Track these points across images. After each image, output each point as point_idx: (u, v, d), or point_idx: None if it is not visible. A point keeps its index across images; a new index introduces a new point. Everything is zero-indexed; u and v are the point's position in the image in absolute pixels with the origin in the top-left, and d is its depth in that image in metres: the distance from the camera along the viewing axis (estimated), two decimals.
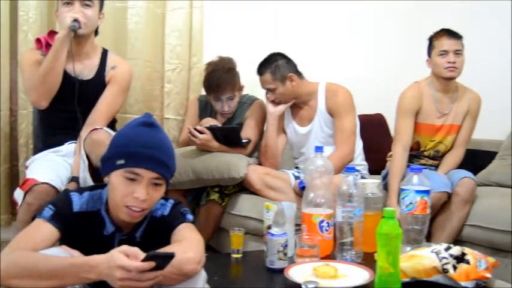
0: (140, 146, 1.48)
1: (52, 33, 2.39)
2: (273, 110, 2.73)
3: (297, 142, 2.82)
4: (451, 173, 2.62)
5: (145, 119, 1.54)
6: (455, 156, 2.72)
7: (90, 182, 2.12)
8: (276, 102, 2.73)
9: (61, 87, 2.33)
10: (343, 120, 2.66)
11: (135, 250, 1.32)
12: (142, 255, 1.30)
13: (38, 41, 2.39)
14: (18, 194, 2.14)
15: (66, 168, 2.27)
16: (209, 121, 2.75)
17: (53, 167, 2.23)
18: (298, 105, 2.79)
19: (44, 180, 2.11)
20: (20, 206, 2.12)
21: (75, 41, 2.34)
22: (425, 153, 2.77)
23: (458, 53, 2.62)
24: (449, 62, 2.60)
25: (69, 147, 2.37)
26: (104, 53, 2.47)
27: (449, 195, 2.48)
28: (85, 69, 2.39)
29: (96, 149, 2.04)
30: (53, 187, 2.10)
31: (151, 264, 1.28)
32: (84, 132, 2.25)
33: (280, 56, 2.73)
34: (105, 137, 2.08)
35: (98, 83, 2.40)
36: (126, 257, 1.28)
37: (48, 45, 2.35)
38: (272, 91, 2.70)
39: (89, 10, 2.31)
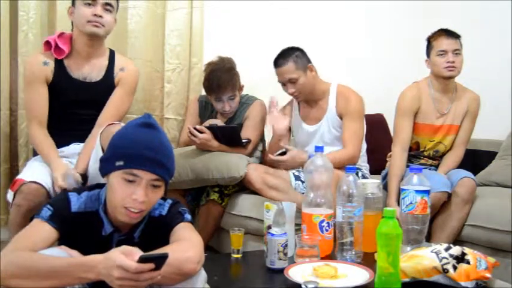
0: (139, 148, 1.48)
1: (61, 34, 2.38)
2: (278, 127, 2.65)
3: (302, 140, 2.80)
4: (451, 173, 2.62)
5: (145, 120, 1.54)
6: (455, 156, 2.72)
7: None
8: (295, 95, 2.71)
9: (68, 91, 2.33)
10: (354, 124, 2.66)
11: (132, 249, 1.32)
12: (139, 253, 1.30)
13: (47, 43, 2.37)
14: (10, 195, 2.14)
15: None
16: (212, 122, 2.75)
17: (46, 167, 2.23)
18: (308, 103, 2.78)
19: (32, 179, 2.10)
20: (11, 208, 2.12)
21: (89, 43, 2.34)
22: (425, 153, 2.77)
23: (457, 52, 2.63)
24: (448, 62, 2.61)
25: (73, 148, 2.37)
26: (112, 54, 2.47)
27: (449, 195, 2.48)
28: (93, 71, 2.39)
29: None
30: (42, 186, 2.09)
31: (150, 265, 1.28)
32: (95, 131, 2.24)
33: (297, 48, 2.70)
34: None
35: (106, 85, 2.40)
36: (125, 257, 1.28)
37: (57, 48, 2.34)
38: (293, 82, 2.65)
39: (109, 15, 2.32)
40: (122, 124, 2.20)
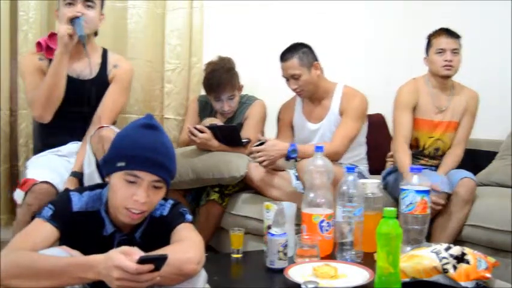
0: (141, 149, 1.48)
1: (52, 35, 2.39)
2: None
3: (303, 138, 2.80)
4: (451, 173, 2.62)
5: (147, 121, 1.54)
6: (454, 155, 2.72)
7: (97, 178, 2.12)
8: (297, 92, 2.70)
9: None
10: (350, 122, 2.64)
11: (132, 249, 1.32)
12: (140, 254, 1.30)
13: (39, 44, 2.39)
14: (18, 194, 2.14)
15: (66, 168, 2.27)
16: (210, 121, 2.76)
17: (53, 167, 2.24)
18: (311, 101, 2.78)
19: (44, 179, 2.11)
20: (20, 207, 2.12)
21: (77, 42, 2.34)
22: (425, 152, 2.77)
23: (455, 52, 2.64)
24: (446, 61, 2.62)
25: (70, 147, 2.37)
26: (104, 52, 2.48)
27: (449, 196, 2.48)
28: (87, 68, 2.39)
29: (103, 146, 2.05)
30: (53, 186, 2.11)
31: (150, 266, 1.28)
32: (92, 130, 2.25)
33: (305, 45, 2.70)
34: (112, 134, 2.08)
35: (100, 82, 2.40)
36: (124, 258, 1.28)
37: (48, 48, 2.35)
38: (296, 78, 2.64)
39: (91, 11, 2.32)
40: (112, 127, 2.22)
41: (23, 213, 2.09)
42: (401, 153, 2.63)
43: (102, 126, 2.17)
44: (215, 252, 2.67)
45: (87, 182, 2.14)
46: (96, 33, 2.45)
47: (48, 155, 2.34)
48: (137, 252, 1.31)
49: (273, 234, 1.88)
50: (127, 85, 2.48)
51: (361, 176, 2.64)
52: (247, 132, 2.78)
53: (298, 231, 2.06)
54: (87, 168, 2.16)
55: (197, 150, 2.68)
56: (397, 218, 1.56)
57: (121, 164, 1.47)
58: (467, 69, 2.70)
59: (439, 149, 2.76)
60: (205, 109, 2.96)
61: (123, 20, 3.01)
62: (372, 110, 2.82)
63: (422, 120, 2.73)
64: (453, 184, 2.51)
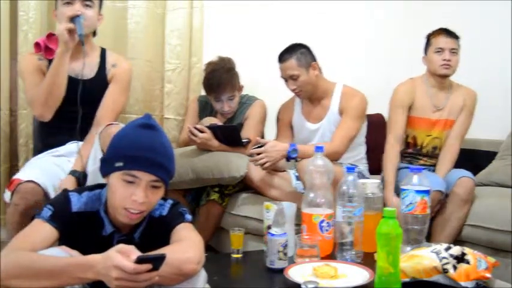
0: (139, 149, 1.48)
1: (50, 35, 2.38)
2: None
3: (303, 138, 2.80)
4: (450, 172, 2.62)
5: (145, 121, 1.54)
6: (450, 154, 2.71)
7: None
8: (296, 92, 2.70)
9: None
10: (349, 121, 2.65)
11: (129, 248, 1.32)
12: (137, 253, 1.30)
13: (37, 44, 2.39)
14: (7, 194, 2.15)
15: (64, 168, 2.27)
16: (210, 120, 2.76)
17: (43, 167, 2.23)
18: (311, 102, 2.78)
19: (29, 179, 2.10)
20: (9, 207, 2.12)
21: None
22: (424, 151, 2.77)
23: (453, 51, 2.65)
24: (444, 60, 2.63)
25: (69, 147, 2.37)
26: (103, 51, 2.47)
27: (446, 195, 2.48)
28: (85, 69, 2.39)
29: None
30: (38, 185, 2.09)
31: (148, 266, 1.28)
32: (94, 130, 2.25)
33: (303, 45, 2.70)
34: None
35: (99, 82, 2.40)
36: (123, 257, 1.29)
37: (47, 49, 2.35)
38: (295, 79, 2.64)
39: (90, 10, 2.31)
40: (121, 124, 2.21)
41: (11, 213, 2.09)
42: (388, 162, 2.65)
43: (111, 124, 2.17)
44: (215, 252, 2.67)
45: (91, 179, 2.14)
46: (94, 34, 2.45)
47: (45, 157, 2.34)
48: (134, 251, 1.31)
49: (273, 234, 1.88)
50: (126, 85, 2.48)
51: (361, 175, 2.64)
52: (247, 132, 2.78)
53: (298, 231, 2.06)
54: (92, 165, 2.16)
55: (197, 150, 2.68)
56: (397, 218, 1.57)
57: (119, 164, 1.47)
58: (467, 69, 2.70)
59: (437, 147, 2.76)
60: (205, 109, 2.96)
61: (123, 20, 3.01)
62: (371, 110, 2.82)
63: (420, 118, 2.73)
64: (451, 183, 2.51)
